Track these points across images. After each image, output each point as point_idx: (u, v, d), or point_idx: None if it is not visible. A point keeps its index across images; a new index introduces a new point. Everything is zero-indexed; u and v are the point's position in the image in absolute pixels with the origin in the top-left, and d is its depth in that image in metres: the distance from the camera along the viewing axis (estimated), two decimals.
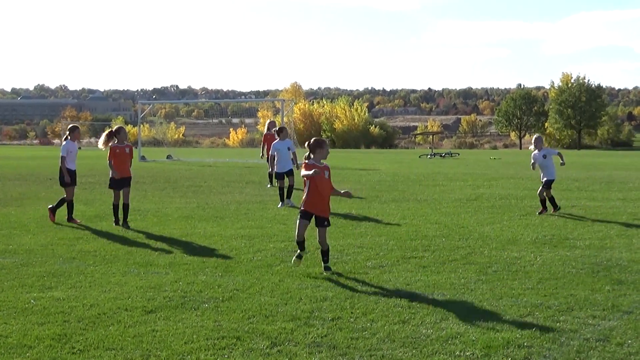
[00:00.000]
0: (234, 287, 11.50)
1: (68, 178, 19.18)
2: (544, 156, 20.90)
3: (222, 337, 8.77)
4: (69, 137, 19.61)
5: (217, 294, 11.02)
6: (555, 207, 20.45)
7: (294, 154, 24.05)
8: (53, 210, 19.05)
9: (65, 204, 19.11)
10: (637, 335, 8.72)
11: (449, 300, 10.55)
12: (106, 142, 18.91)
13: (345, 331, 9.00)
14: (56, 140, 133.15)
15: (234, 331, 9.02)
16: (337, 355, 8.14)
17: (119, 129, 19.16)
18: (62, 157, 19.21)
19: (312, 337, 8.75)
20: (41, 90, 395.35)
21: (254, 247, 15.12)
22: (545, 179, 20.78)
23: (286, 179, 23.37)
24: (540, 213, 20.32)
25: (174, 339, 8.71)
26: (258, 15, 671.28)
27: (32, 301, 10.66)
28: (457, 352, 8.18)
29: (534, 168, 21.50)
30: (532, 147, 21.24)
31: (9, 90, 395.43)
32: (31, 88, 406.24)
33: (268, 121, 33.46)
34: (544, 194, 20.63)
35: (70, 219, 19.01)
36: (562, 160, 21.93)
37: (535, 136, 21.60)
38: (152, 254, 14.44)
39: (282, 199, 23.26)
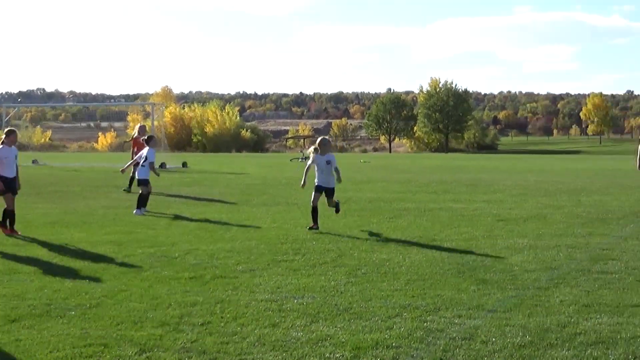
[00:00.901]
0: (101, 294, 11.29)
1: (1, 186, 17.48)
2: (327, 162, 18.86)
3: (89, 345, 8.60)
4: (4, 142, 18.07)
5: (84, 301, 10.80)
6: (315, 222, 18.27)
7: (151, 164, 23.36)
8: (2, 225, 17.64)
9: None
10: (501, 333, 8.98)
11: (319, 303, 10.62)
12: None
13: (215, 336, 8.96)
14: None
15: (101, 338, 8.86)
16: None
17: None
18: None
19: (181, 343, 8.67)
20: None
21: (122, 253, 14.87)
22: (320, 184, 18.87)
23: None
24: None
25: (38, 348, 8.50)
26: (127, 17, 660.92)
27: None
28: (327, 354, 8.25)
29: (307, 170, 19.66)
30: (311, 148, 19.65)
31: None
32: None
33: (139, 125, 33.03)
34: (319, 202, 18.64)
35: (4, 228, 17.60)
36: (339, 177, 19.06)
37: (322, 139, 19.49)
38: (15, 261, 14.04)
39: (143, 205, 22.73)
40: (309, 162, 19.33)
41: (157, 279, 12.39)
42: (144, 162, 22.95)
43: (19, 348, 8.54)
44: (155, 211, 22.26)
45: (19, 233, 17.32)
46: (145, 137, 24.88)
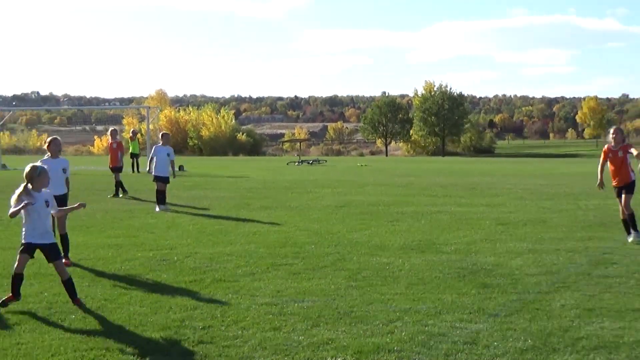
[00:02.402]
0: (102, 298, 11.30)
1: None
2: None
3: (90, 349, 8.60)
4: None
5: (85, 305, 10.80)
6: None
7: (172, 162, 24.10)
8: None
9: None
10: (503, 338, 8.97)
11: (320, 307, 10.60)
12: None
13: (217, 339, 8.94)
14: None
15: (102, 342, 8.86)
16: None
17: None
18: None
19: (182, 347, 8.67)
20: None
21: (122, 257, 14.87)
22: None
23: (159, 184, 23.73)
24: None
25: (40, 352, 8.50)
26: (121, 21, 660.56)
27: None
28: (329, 358, 8.25)
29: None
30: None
31: None
32: None
33: (110, 129, 32.88)
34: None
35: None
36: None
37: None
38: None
39: (161, 203, 23.68)
40: None
41: (158, 283, 12.40)
42: (156, 160, 23.92)
43: (21, 352, 8.54)
44: (155, 215, 22.26)
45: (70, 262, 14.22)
46: (162, 134, 25.26)
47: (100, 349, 8.62)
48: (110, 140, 30.58)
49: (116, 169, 29.14)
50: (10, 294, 10.59)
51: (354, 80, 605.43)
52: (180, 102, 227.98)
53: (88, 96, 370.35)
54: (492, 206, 24.75)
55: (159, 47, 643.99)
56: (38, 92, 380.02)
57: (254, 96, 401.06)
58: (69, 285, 10.78)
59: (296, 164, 64.61)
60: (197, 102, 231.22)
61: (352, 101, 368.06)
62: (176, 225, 19.84)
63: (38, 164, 11.31)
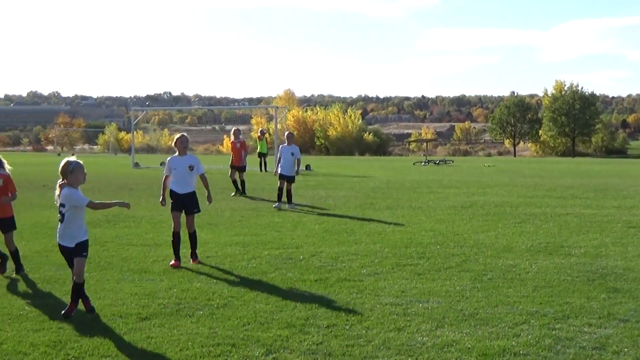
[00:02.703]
0: (228, 294, 11.47)
1: (164, 202, 15.18)
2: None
3: (217, 344, 8.74)
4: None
5: (212, 301, 10.99)
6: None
7: (297, 160, 24.53)
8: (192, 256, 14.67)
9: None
10: (634, 344, 8.71)
11: (445, 308, 10.51)
12: None
13: (341, 338, 8.97)
14: (49, 147, 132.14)
15: (229, 338, 9.00)
16: None
17: None
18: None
19: (307, 345, 8.72)
20: (34, 97, 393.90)
21: (249, 254, 15.08)
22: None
23: (286, 184, 24.11)
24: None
25: (168, 346, 8.69)
26: (251, 22, 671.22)
27: (26, 308, 10.64)
28: None
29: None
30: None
31: (2, 96, 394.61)
32: (24, 94, 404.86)
33: (233, 128, 33.20)
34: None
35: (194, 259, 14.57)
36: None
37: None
38: (146, 261, 14.40)
39: (279, 199, 24.05)
40: None
41: (283, 281, 12.50)
42: (282, 160, 24.39)
43: (151, 345, 8.75)
44: (281, 213, 22.49)
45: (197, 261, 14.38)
46: (286, 134, 25.48)
47: (226, 344, 8.76)
48: (233, 140, 30.94)
49: (240, 168, 29.54)
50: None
51: (481, 79, 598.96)
52: (307, 102, 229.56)
53: (218, 96, 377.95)
54: (623, 208, 23.99)
55: (288, 47, 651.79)
56: (170, 93, 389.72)
57: (381, 96, 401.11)
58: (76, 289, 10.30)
59: (422, 164, 64.27)
60: (324, 102, 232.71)
61: (480, 101, 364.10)
62: (302, 224, 19.99)
63: (72, 158, 10.88)
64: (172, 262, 14.00)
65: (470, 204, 25.19)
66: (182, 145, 14.65)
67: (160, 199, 15.05)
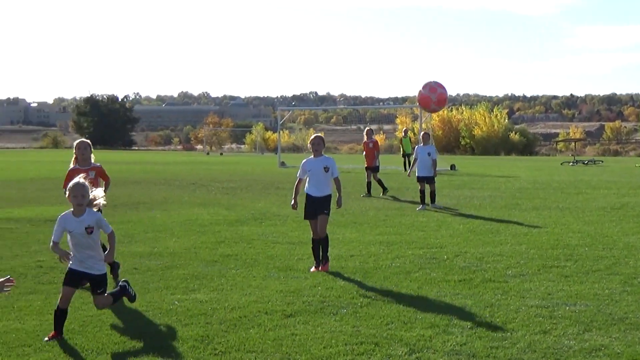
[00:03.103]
0: (372, 293, 11.50)
1: (295, 206, 14.17)
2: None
3: (360, 343, 8.78)
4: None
5: (356, 300, 11.05)
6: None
7: (434, 161, 24.27)
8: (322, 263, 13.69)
9: None
10: None
11: (593, 311, 10.23)
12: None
13: (485, 340, 8.86)
14: (199, 146, 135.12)
15: (372, 337, 9.02)
16: None
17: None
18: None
19: (450, 345, 8.65)
20: (185, 97, 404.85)
21: (393, 254, 15.07)
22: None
23: (426, 185, 24.00)
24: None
25: (313, 343, 8.78)
26: (396, 22, 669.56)
27: (175, 302, 10.93)
28: None
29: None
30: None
31: (154, 97, 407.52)
32: (175, 95, 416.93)
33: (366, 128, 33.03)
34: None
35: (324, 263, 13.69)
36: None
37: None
38: (291, 259, 14.57)
39: (422, 202, 24.03)
40: None
41: (427, 281, 12.44)
42: (418, 161, 24.31)
43: (295, 342, 8.84)
44: (425, 213, 22.41)
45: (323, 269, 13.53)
46: (422, 134, 25.44)
47: (369, 343, 8.78)
48: (365, 140, 30.76)
49: (373, 169, 29.47)
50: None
51: (633, 77, 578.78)
52: (453, 102, 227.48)
53: (363, 96, 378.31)
54: None
55: (432, 47, 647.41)
56: (316, 92, 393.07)
57: (528, 95, 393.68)
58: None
59: (570, 164, 62.75)
60: (470, 101, 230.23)
61: (632, 99, 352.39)
62: (446, 224, 19.86)
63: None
64: (312, 268, 13.46)
65: (620, 205, 24.45)
66: (315, 147, 13.67)
67: (292, 203, 14.03)
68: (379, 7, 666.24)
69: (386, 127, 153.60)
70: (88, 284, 9.75)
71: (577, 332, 9.21)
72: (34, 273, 13.18)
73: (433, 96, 34.81)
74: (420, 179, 24.07)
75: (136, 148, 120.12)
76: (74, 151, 12.93)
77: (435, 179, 24.58)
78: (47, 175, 41.67)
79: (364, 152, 30.33)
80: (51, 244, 9.39)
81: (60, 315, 9.23)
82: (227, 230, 18.74)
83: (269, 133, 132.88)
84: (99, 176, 12.82)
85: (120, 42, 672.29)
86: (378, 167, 30.04)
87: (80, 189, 9.30)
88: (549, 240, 16.70)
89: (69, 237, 9.34)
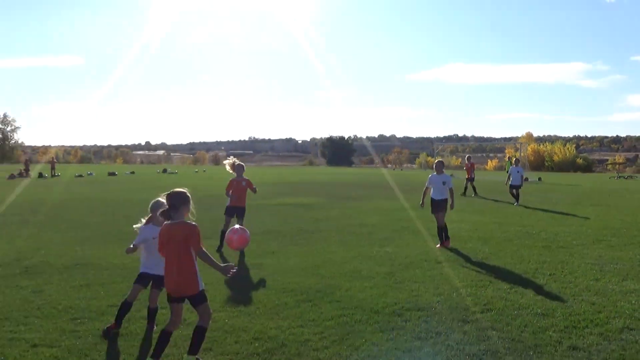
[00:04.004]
0: (489, 253, 10.94)
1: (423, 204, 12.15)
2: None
3: (480, 280, 8.49)
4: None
5: (478, 255, 10.60)
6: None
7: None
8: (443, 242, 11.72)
9: None
10: None
11: (628, 268, 9.43)
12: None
13: (558, 283, 8.40)
14: (389, 165, 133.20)
15: (486, 277, 8.70)
16: None
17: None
18: None
19: (537, 285, 8.24)
20: (382, 139, 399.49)
21: (501, 229, 14.26)
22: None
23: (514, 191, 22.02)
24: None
25: (456, 280, 8.57)
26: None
27: (377, 253, 10.90)
28: None
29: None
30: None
31: (372, 136, 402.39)
32: (375, 135, 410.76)
33: None
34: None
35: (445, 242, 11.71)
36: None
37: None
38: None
39: (516, 200, 21.77)
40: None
41: (522, 246, 11.76)
42: (514, 176, 21.86)
43: (443, 278, 8.70)
44: (518, 207, 21.10)
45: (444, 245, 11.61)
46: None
47: (485, 281, 8.47)
48: (467, 162, 27.83)
49: (470, 179, 27.10)
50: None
51: None
52: (540, 140, 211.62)
53: (485, 135, 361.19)
54: None
55: (532, 107, 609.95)
56: (457, 134, 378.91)
57: (589, 135, 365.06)
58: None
59: (615, 178, 57.93)
60: (550, 139, 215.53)
61: None
62: (534, 213, 18.70)
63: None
64: (438, 245, 11.61)
65: None
66: (437, 167, 11.73)
67: (421, 203, 12.14)
68: None
69: (499, 154, 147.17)
70: None
71: (618, 281, 8.62)
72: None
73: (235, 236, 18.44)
74: (513, 187, 21.76)
75: (354, 166, 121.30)
76: (229, 168, 11.72)
77: (521, 186, 22.11)
78: (303, 180, 42.20)
79: (465, 168, 28.05)
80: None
81: None
82: (404, 212, 18.45)
83: (429, 157, 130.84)
84: (248, 186, 11.59)
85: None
86: (474, 178, 27.74)
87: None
88: (600, 224, 15.59)
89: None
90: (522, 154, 52.31)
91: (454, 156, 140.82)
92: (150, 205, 6.16)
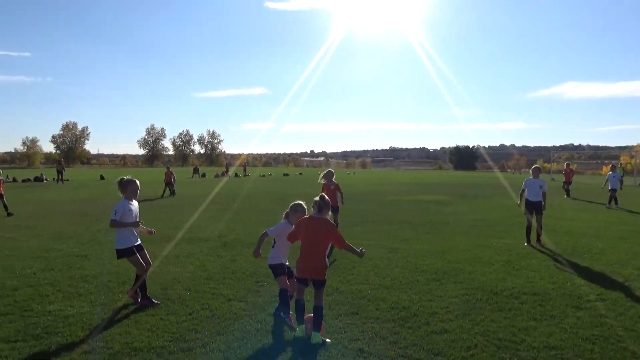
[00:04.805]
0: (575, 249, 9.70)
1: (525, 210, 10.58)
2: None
3: (554, 271, 7.57)
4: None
5: (559, 248, 9.43)
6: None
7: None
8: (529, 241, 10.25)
9: None
10: None
11: None
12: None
13: (602, 264, 7.24)
14: (509, 169, 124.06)
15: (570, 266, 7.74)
16: None
17: None
18: None
19: (582, 265, 7.22)
20: (502, 148, 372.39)
21: (593, 224, 12.45)
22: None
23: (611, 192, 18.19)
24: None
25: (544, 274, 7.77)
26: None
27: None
28: None
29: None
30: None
31: (493, 145, 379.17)
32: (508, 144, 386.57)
33: None
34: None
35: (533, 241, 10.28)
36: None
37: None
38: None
39: (612, 203, 17.87)
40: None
41: (599, 237, 10.15)
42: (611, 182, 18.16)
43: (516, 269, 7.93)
44: (610, 211, 17.83)
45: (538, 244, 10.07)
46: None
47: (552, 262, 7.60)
48: (565, 168, 24.11)
49: (567, 183, 23.55)
50: None
51: None
52: None
53: (601, 145, 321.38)
54: None
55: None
56: (572, 144, 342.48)
57: None
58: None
59: None
60: None
61: None
62: (617, 214, 16.36)
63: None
64: (526, 243, 10.17)
65: None
66: (534, 173, 10.27)
67: (518, 202, 10.58)
68: None
69: (614, 161, 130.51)
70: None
71: None
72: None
73: None
74: (612, 191, 18.11)
75: (477, 170, 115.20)
76: (323, 176, 11.12)
77: (617, 190, 18.24)
78: (433, 181, 39.70)
79: (564, 173, 24.41)
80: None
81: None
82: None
83: (546, 163, 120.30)
84: (336, 189, 11.12)
85: None
86: (571, 182, 23.89)
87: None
88: None
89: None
90: (637, 161, 45.81)
91: (547, 162, 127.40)
92: (291, 206, 5.71)
